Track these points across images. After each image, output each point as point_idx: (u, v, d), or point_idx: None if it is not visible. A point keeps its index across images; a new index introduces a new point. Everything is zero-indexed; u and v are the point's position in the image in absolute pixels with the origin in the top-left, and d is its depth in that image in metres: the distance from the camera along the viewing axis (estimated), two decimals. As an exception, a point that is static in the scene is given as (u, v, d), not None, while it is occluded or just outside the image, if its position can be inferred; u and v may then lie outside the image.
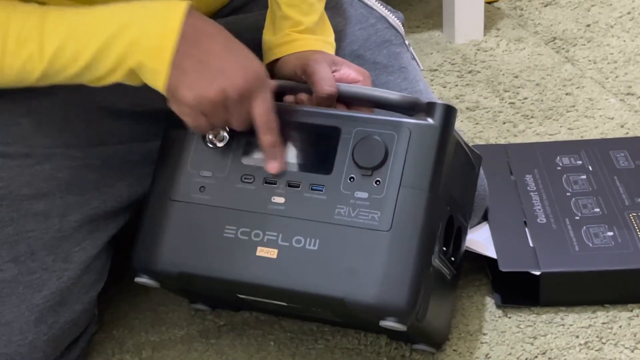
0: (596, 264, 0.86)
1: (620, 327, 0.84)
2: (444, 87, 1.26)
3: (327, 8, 0.87)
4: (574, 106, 1.20)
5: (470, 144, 1.10)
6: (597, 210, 0.93)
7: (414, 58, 0.94)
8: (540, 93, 1.23)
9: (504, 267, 0.86)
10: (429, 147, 0.71)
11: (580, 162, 1.01)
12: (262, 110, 0.72)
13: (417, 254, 0.70)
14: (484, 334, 0.85)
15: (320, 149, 0.73)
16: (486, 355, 0.82)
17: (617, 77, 1.26)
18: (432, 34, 1.40)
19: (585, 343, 0.83)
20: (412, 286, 0.69)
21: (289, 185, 0.73)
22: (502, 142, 1.13)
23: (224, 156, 0.75)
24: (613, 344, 0.82)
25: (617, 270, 0.85)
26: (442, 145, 0.72)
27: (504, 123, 1.17)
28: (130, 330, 0.88)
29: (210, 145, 0.76)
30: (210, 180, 0.75)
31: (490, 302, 0.88)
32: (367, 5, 0.92)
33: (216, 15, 0.90)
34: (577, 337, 0.83)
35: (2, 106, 0.80)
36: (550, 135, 1.14)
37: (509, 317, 0.86)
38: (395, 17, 0.93)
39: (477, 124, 1.18)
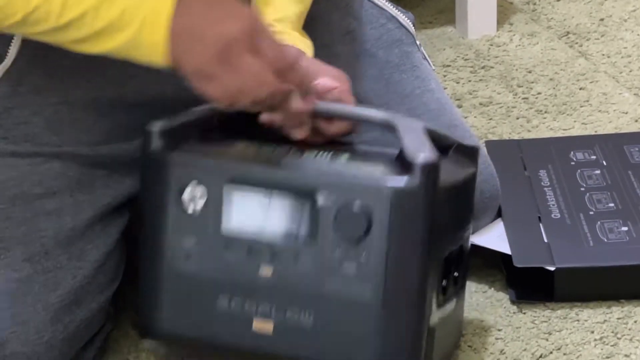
0: (611, 259, 0.86)
1: (635, 322, 0.84)
2: (457, 82, 1.26)
3: (338, 9, 0.87)
4: (587, 101, 1.19)
5: (483, 140, 1.10)
6: (612, 205, 0.92)
7: (425, 58, 0.94)
8: (554, 88, 1.23)
9: (518, 263, 0.86)
10: (412, 213, 0.66)
11: (594, 157, 1.00)
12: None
13: (413, 321, 0.67)
14: (499, 330, 0.85)
15: (301, 216, 0.68)
16: (501, 351, 0.82)
17: (631, 71, 1.25)
18: (445, 30, 1.40)
19: (601, 338, 0.82)
20: (411, 351, 0.67)
21: (275, 255, 0.69)
22: (516, 137, 1.13)
23: (203, 222, 0.70)
24: (628, 339, 0.82)
25: (632, 265, 0.85)
26: (427, 207, 0.66)
27: (518, 118, 1.17)
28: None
29: (189, 211, 0.70)
30: (195, 249, 0.71)
31: (504, 297, 0.88)
32: (377, 5, 0.91)
33: None
34: (592, 332, 0.83)
35: (12, 105, 0.81)
36: (564, 130, 1.14)
37: (524, 313, 0.86)
38: (406, 17, 0.93)
39: (490, 119, 1.17)
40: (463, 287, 0.79)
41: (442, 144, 0.73)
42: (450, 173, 0.71)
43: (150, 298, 0.73)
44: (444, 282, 0.71)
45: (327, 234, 0.67)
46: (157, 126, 0.72)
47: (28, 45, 0.82)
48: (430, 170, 0.66)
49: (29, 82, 0.81)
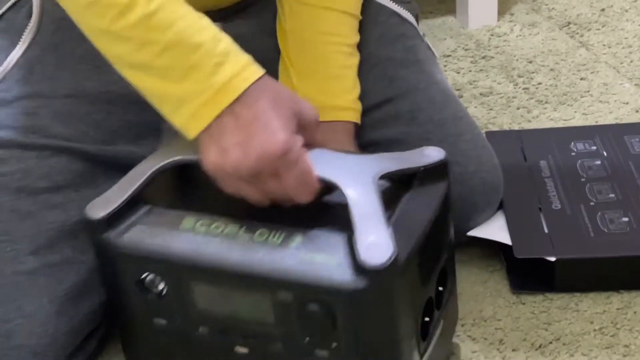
0: (612, 250, 0.86)
1: (635, 312, 0.84)
2: (458, 72, 1.26)
3: None
4: (588, 91, 1.19)
5: (484, 130, 1.10)
6: (612, 195, 0.92)
7: (429, 48, 0.93)
8: (555, 78, 1.22)
9: (519, 254, 0.86)
10: (377, 306, 0.62)
11: (594, 148, 1.00)
12: (289, 185, 0.65)
13: None
14: (498, 320, 0.85)
15: (265, 307, 0.65)
16: (500, 341, 0.82)
17: (631, 61, 1.25)
18: (446, 20, 1.40)
19: (600, 329, 0.83)
20: None
21: (248, 337, 0.66)
22: (516, 127, 1.13)
23: (169, 304, 0.68)
24: (628, 329, 0.82)
25: (633, 256, 0.85)
26: (391, 298, 0.62)
27: (518, 109, 1.17)
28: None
29: (154, 293, 0.68)
30: (166, 328, 0.69)
31: (504, 288, 0.88)
32: (376, 2, 0.91)
33: (221, 15, 0.89)
34: (592, 322, 0.83)
35: (22, 94, 0.80)
36: (564, 120, 1.14)
37: (523, 303, 0.86)
38: (407, 9, 0.92)
39: (490, 109, 1.17)
40: (451, 295, 0.75)
41: (406, 175, 0.69)
42: (419, 218, 0.66)
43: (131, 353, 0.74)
44: (424, 328, 0.69)
45: (293, 325, 0.64)
46: (98, 213, 0.68)
47: (41, 32, 0.82)
48: (389, 269, 0.60)
49: (40, 71, 0.81)
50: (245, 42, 0.85)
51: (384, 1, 0.91)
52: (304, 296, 0.63)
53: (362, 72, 0.86)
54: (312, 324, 0.64)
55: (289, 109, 0.65)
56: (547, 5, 1.41)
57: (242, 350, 0.67)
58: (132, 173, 0.70)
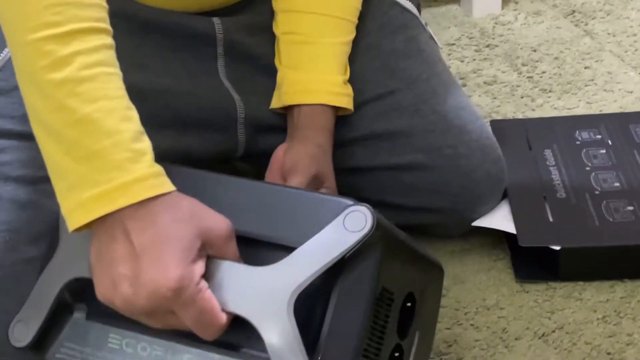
0: (616, 239, 0.86)
1: (638, 301, 0.84)
2: (462, 61, 1.26)
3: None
4: (592, 80, 1.19)
5: (488, 119, 1.10)
6: (617, 184, 0.92)
7: (432, 37, 0.93)
8: (559, 67, 1.22)
9: (523, 242, 0.86)
10: None
11: (599, 137, 1.00)
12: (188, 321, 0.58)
13: None
14: (502, 309, 0.85)
15: None
16: (503, 330, 0.82)
17: (636, 50, 1.24)
18: (450, 8, 1.39)
19: (603, 317, 0.83)
20: None
21: None
22: (520, 116, 1.12)
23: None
24: (631, 318, 0.82)
25: (638, 245, 0.85)
26: None
27: (522, 97, 1.17)
28: None
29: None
30: None
31: (507, 276, 0.88)
32: None
33: (220, 12, 0.88)
34: (595, 311, 0.83)
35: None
36: (568, 109, 1.13)
37: (527, 292, 0.86)
38: None
39: (494, 98, 1.17)
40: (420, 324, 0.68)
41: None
42: (348, 332, 0.58)
43: None
44: None
45: None
46: (21, 339, 0.64)
47: None
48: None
49: None
50: (241, 37, 0.85)
51: None
52: None
53: (363, 63, 0.85)
54: None
55: (192, 230, 0.58)
56: (551, -7, 1.40)
57: None
58: (39, 286, 0.65)
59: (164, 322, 0.59)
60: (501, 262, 0.90)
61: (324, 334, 0.57)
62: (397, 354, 0.64)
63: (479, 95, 1.18)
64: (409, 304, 0.65)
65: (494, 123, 1.05)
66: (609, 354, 0.79)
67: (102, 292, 0.59)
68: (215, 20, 0.83)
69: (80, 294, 0.65)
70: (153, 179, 0.58)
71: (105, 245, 0.58)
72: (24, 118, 0.79)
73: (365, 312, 0.58)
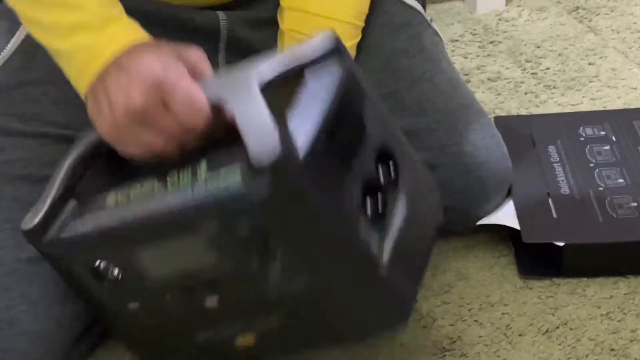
0: (620, 235, 0.86)
1: (642, 298, 0.84)
2: (465, 57, 1.25)
3: None
4: (596, 76, 1.19)
5: (492, 115, 1.10)
6: (621, 181, 0.92)
7: (437, 34, 0.92)
8: (563, 63, 1.22)
9: (527, 239, 0.86)
10: (289, 205, 0.61)
11: (603, 133, 1.00)
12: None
13: (363, 270, 0.64)
14: (505, 305, 0.85)
15: (205, 248, 0.65)
16: (507, 326, 0.82)
17: (640, 46, 1.24)
18: (453, 4, 1.39)
19: (607, 314, 0.83)
20: (394, 293, 0.65)
21: (210, 286, 0.66)
22: (524, 113, 1.12)
23: (129, 281, 0.68)
24: (635, 314, 0.82)
25: (641, 241, 0.85)
26: (297, 192, 0.61)
27: (526, 94, 1.17)
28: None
29: (111, 278, 0.68)
30: (142, 310, 0.68)
31: (510, 273, 0.88)
32: None
33: (225, 7, 0.88)
34: (599, 307, 0.83)
35: (24, 80, 0.80)
36: (572, 105, 1.13)
37: (530, 289, 0.86)
38: None
39: (498, 94, 1.17)
40: (412, 174, 0.72)
41: (298, 69, 0.66)
42: (313, 110, 0.64)
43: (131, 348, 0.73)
44: (371, 209, 0.66)
45: (235, 254, 0.64)
46: (30, 223, 0.68)
47: None
48: (281, 166, 0.60)
49: (42, 57, 0.80)
50: (245, 32, 0.84)
51: None
52: (223, 220, 0.62)
53: (366, 63, 0.85)
54: (247, 244, 0.63)
55: (167, 48, 0.65)
56: (555, -11, 1.40)
57: (212, 302, 0.67)
58: (53, 174, 0.70)
59: (159, 123, 0.63)
60: (505, 258, 0.90)
61: (292, 114, 0.63)
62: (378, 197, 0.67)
63: (483, 92, 1.17)
64: (385, 167, 0.69)
65: (498, 119, 1.05)
66: (612, 350, 0.79)
67: (103, 119, 0.65)
68: (220, 14, 0.83)
69: (84, 182, 0.70)
70: (134, 33, 0.66)
71: (99, 85, 0.65)
72: (24, 116, 0.79)
73: (331, 99, 0.64)
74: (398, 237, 0.66)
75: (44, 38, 0.70)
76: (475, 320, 0.83)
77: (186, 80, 0.63)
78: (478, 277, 0.88)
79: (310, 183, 0.61)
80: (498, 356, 0.79)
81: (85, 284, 0.69)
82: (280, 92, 0.66)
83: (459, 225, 0.91)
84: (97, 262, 0.67)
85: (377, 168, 0.68)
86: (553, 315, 0.83)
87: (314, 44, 0.67)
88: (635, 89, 1.15)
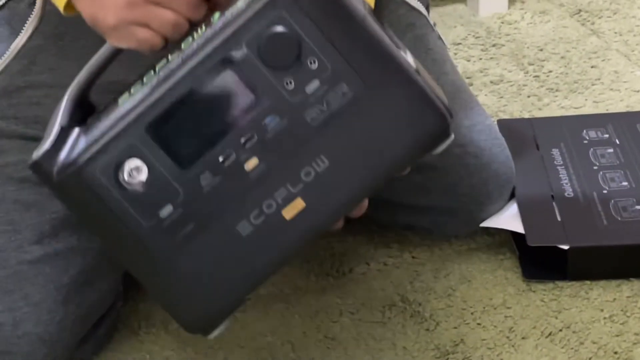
0: (625, 238, 0.86)
1: (646, 301, 0.84)
2: (468, 60, 1.25)
3: None
4: (599, 79, 1.18)
5: (495, 118, 1.10)
6: (625, 183, 0.92)
7: (440, 37, 0.92)
8: (565, 66, 1.22)
9: (532, 242, 0.86)
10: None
11: (607, 136, 1.00)
12: None
13: (401, 77, 0.61)
14: (508, 308, 0.84)
15: (237, 90, 0.60)
16: (510, 329, 0.82)
17: (643, 49, 1.24)
18: (456, 7, 1.39)
19: (610, 317, 0.82)
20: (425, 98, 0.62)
21: (247, 142, 0.61)
22: (527, 116, 1.12)
23: (159, 179, 0.61)
24: (638, 317, 0.82)
25: (646, 244, 0.85)
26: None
27: (529, 97, 1.16)
28: (157, 304, 0.88)
29: (139, 189, 0.61)
30: (178, 211, 0.62)
31: (513, 276, 0.88)
32: None
33: None
34: (602, 310, 0.83)
35: (25, 84, 0.80)
36: (575, 108, 1.13)
37: (533, 291, 0.86)
38: None
39: (501, 97, 1.17)
40: None
41: None
42: None
43: (175, 299, 0.65)
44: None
45: (268, 82, 0.60)
46: (38, 152, 0.63)
47: (44, 22, 0.82)
48: None
49: (43, 61, 0.81)
50: None
51: None
52: (254, 34, 0.59)
53: None
54: (280, 53, 0.60)
55: None
56: (558, -8, 1.40)
57: (252, 163, 0.62)
58: (57, 106, 0.66)
59: (148, 5, 0.61)
60: (508, 261, 0.90)
61: None
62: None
63: (486, 95, 1.17)
64: None
65: (501, 122, 1.05)
66: (615, 353, 0.79)
67: (90, 8, 0.64)
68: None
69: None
70: None
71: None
72: (26, 119, 0.79)
73: None
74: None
75: None
76: (479, 324, 0.83)
77: None
78: (481, 280, 0.88)
79: None
80: (501, 359, 0.79)
81: (109, 205, 0.61)
82: None
83: (462, 226, 0.91)
84: (122, 166, 0.61)
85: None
86: (556, 318, 0.83)
87: None
88: (638, 91, 1.15)
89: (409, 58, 0.64)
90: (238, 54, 0.60)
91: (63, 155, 0.62)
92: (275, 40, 0.60)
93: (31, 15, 0.82)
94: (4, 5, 0.84)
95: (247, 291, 0.65)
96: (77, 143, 0.62)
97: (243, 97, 0.61)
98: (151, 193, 0.62)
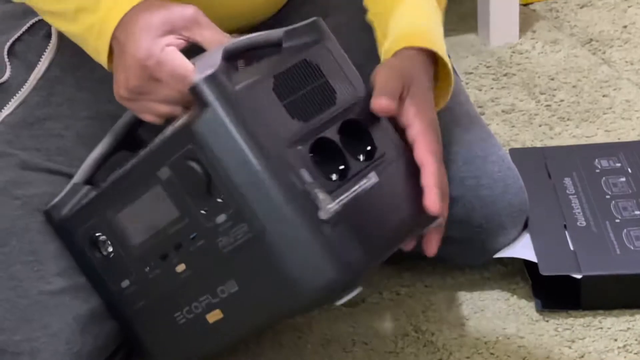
0: (638, 267, 0.85)
1: (660, 330, 0.84)
2: (479, 90, 1.26)
3: (365, 30, 0.85)
4: (610, 108, 1.19)
5: (507, 148, 1.10)
6: (638, 212, 0.92)
7: (454, 70, 0.93)
8: (577, 95, 1.22)
9: (544, 271, 0.86)
10: (225, 134, 0.66)
11: (619, 165, 1.00)
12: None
13: (303, 226, 0.66)
14: (521, 337, 0.84)
15: (167, 202, 0.71)
16: (524, 359, 0.82)
17: (654, 78, 1.25)
18: (467, 37, 1.40)
19: (624, 346, 0.82)
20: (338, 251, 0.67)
21: (178, 248, 0.71)
22: (539, 145, 1.12)
23: (116, 254, 0.74)
24: (653, 347, 0.82)
25: (658, 273, 0.85)
26: (233, 118, 0.66)
27: (540, 126, 1.17)
28: None
29: (104, 254, 0.75)
30: (134, 287, 0.74)
31: (527, 305, 0.88)
32: None
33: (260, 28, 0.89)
34: (616, 340, 0.83)
35: (44, 116, 0.81)
36: (587, 137, 1.13)
37: (547, 321, 0.86)
38: None
39: (512, 127, 1.17)
40: (388, 151, 0.73)
41: (272, 42, 0.73)
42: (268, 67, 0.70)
43: (139, 345, 0.77)
44: (333, 170, 0.69)
45: (187, 200, 0.69)
46: (48, 205, 0.78)
47: (61, 53, 0.83)
48: (214, 84, 0.66)
49: (61, 92, 0.82)
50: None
51: None
52: (174, 159, 0.68)
53: None
54: (196, 189, 0.68)
55: (158, 17, 0.70)
56: (569, 22, 1.40)
57: (181, 267, 0.71)
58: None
59: (157, 93, 0.71)
60: (521, 290, 0.90)
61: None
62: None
63: (497, 124, 1.18)
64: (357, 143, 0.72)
65: (513, 152, 1.05)
66: (630, 383, 0.79)
67: (116, 92, 0.73)
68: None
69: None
70: (122, 3, 0.71)
71: (115, 59, 0.72)
72: (49, 152, 0.80)
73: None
74: (352, 202, 0.68)
75: (60, 25, 0.77)
76: (492, 353, 0.83)
77: (172, 55, 0.70)
78: (494, 310, 0.88)
79: (239, 112, 0.66)
80: (515, 389, 0.79)
81: (90, 261, 0.75)
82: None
83: (476, 257, 0.91)
84: (94, 235, 0.74)
85: (340, 133, 0.71)
86: (570, 348, 0.83)
87: (296, 25, 0.73)
88: (650, 120, 1.15)
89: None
90: (163, 174, 0.69)
91: (65, 210, 0.76)
92: (188, 171, 0.68)
93: (47, 47, 0.83)
94: (19, 37, 0.85)
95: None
96: (79, 201, 0.76)
97: (170, 210, 0.70)
98: (116, 265, 0.74)
